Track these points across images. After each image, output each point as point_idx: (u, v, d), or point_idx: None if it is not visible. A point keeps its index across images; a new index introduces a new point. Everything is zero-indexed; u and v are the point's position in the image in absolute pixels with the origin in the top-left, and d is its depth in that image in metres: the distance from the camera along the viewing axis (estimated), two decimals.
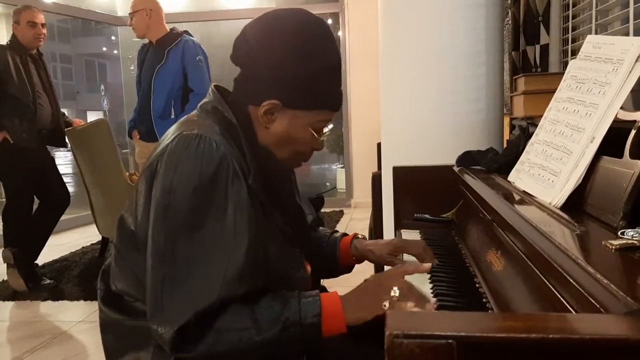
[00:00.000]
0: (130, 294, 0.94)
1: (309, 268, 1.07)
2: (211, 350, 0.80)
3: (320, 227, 1.27)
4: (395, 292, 0.86)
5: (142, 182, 0.91)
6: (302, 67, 0.93)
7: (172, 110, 3.11)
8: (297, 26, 0.94)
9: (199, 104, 1.00)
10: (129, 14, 3.11)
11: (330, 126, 1.02)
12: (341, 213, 5.30)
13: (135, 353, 0.93)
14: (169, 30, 3.17)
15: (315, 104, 0.96)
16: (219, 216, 0.84)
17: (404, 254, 1.20)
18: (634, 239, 0.68)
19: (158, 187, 0.86)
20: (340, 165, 6.29)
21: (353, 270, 1.24)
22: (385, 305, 0.85)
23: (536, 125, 1.17)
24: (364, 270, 1.29)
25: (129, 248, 0.93)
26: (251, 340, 0.81)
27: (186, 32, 3.21)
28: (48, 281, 3.21)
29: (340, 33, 5.67)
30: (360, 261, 1.21)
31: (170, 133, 0.94)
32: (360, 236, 1.23)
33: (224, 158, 0.86)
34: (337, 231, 1.25)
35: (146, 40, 3.23)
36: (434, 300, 0.96)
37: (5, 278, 3.19)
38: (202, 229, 0.83)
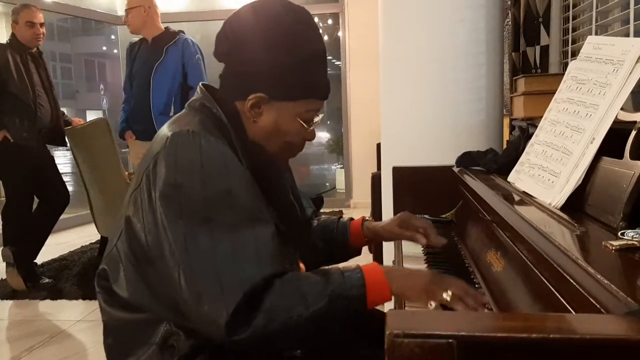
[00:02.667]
0: (139, 300, 0.92)
1: (302, 266, 1.06)
2: (264, 331, 0.79)
3: (323, 216, 1.25)
4: (448, 294, 0.84)
5: (144, 189, 0.89)
6: (284, 58, 0.92)
7: (172, 107, 3.11)
8: (276, 17, 0.94)
9: (188, 102, 0.99)
10: (126, 9, 3.09)
11: (321, 115, 1.00)
12: (340, 213, 5.30)
13: (138, 353, 0.91)
14: (164, 28, 3.17)
15: (301, 94, 0.95)
16: (232, 203, 0.84)
17: (404, 241, 1.20)
18: (634, 239, 0.68)
19: (161, 188, 0.85)
20: (339, 166, 6.29)
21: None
22: (431, 305, 0.85)
23: (536, 126, 1.17)
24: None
25: (139, 256, 0.90)
26: (301, 317, 0.80)
27: (182, 31, 3.22)
28: (47, 280, 3.20)
29: (340, 33, 5.67)
30: (371, 241, 1.22)
31: (161, 135, 0.92)
32: (368, 218, 1.23)
33: (223, 148, 0.87)
34: (341, 216, 1.24)
35: (137, 39, 3.23)
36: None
37: (5, 277, 3.18)
38: (219, 216, 0.82)
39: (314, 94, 0.97)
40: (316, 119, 0.99)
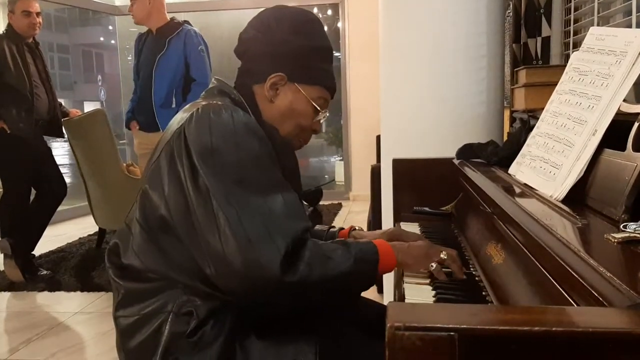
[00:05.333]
0: (153, 269, 0.94)
1: None
2: (307, 279, 0.83)
3: (317, 225, 1.27)
4: (444, 254, 1.00)
5: (163, 159, 0.93)
6: (303, 44, 1.04)
7: (174, 99, 3.09)
8: (296, 12, 1.08)
9: (205, 90, 1.06)
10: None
11: (327, 114, 1.11)
12: (340, 206, 5.30)
13: (152, 322, 0.92)
14: (169, 19, 3.14)
15: (316, 79, 1.06)
16: (261, 168, 0.90)
17: None
18: (636, 232, 0.67)
19: (194, 152, 0.88)
20: (339, 158, 6.28)
21: None
22: (432, 265, 0.99)
23: (537, 118, 1.16)
24: None
25: (156, 225, 0.93)
26: (334, 271, 0.86)
27: (187, 22, 3.19)
28: (45, 272, 3.20)
29: (340, 24, 5.64)
30: None
31: (180, 117, 0.96)
32: (357, 228, 1.25)
33: (251, 118, 0.94)
34: (333, 226, 1.26)
35: (143, 30, 3.20)
36: (433, 293, 0.96)
37: (2, 269, 3.18)
38: (251, 178, 0.88)
39: (327, 83, 1.08)
40: (324, 113, 1.08)
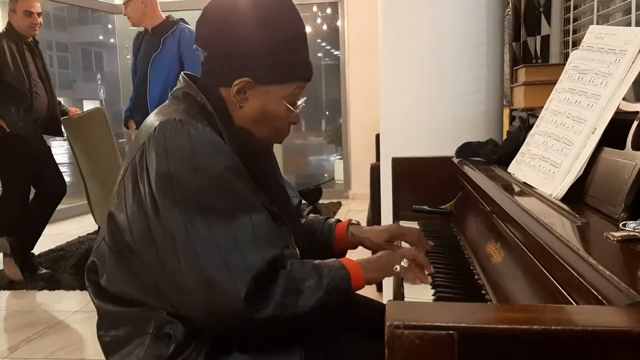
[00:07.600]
0: (128, 293, 0.91)
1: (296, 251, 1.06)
2: (278, 319, 0.82)
3: (312, 214, 1.26)
4: (404, 261, 0.98)
5: (128, 181, 0.89)
6: (267, 39, 0.92)
7: None
8: None
9: (171, 92, 0.99)
10: (124, 2, 3.06)
11: (304, 98, 1.01)
12: (339, 204, 5.30)
13: (132, 344, 0.91)
14: (164, 18, 3.12)
15: (286, 76, 0.95)
16: (225, 189, 0.84)
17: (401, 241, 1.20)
18: (635, 231, 0.67)
19: (153, 179, 0.84)
20: (338, 157, 6.27)
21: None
22: (396, 268, 0.97)
23: (536, 117, 1.16)
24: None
25: (124, 250, 0.90)
26: (306, 307, 0.84)
27: (182, 20, 3.17)
28: (44, 271, 3.20)
29: (339, 23, 5.63)
30: (355, 247, 1.22)
31: (147, 125, 0.92)
32: (355, 222, 1.22)
33: (211, 134, 0.87)
34: (330, 217, 1.25)
35: (142, 28, 3.19)
36: (432, 291, 0.96)
37: (1, 267, 3.18)
38: (213, 204, 0.83)
39: (299, 76, 0.97)
40: (300, 102, 0.99)
